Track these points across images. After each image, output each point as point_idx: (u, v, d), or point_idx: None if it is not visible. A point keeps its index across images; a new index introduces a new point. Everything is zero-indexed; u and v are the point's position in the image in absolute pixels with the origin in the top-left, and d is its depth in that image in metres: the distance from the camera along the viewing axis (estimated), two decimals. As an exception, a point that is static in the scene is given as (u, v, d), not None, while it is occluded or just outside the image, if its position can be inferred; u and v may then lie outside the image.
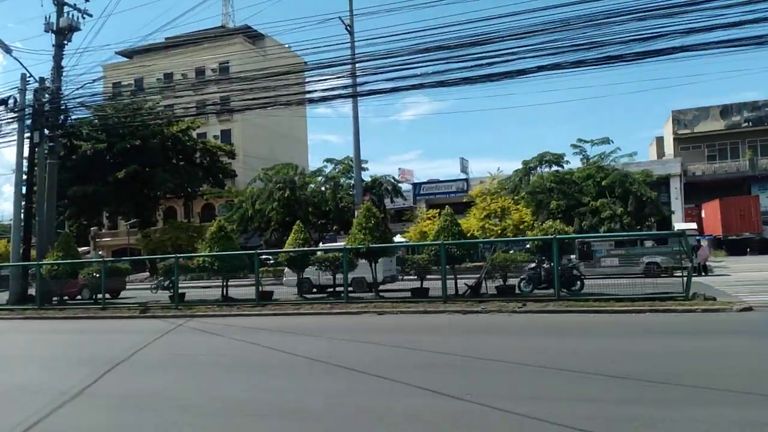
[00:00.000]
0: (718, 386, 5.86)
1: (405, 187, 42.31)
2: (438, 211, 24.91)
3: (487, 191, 32.84)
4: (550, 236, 14.90)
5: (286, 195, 34.63)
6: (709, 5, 13.05)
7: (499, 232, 29.04)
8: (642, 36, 13.75)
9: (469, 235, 25.26)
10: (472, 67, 15.63)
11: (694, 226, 34.87)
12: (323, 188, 37.31)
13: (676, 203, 38.64)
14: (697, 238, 27.92)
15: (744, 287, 16.07)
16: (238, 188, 43.67)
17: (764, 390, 5.64)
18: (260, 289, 17.41)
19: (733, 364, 7.07)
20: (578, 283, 15.23)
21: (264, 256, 20.68)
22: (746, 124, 42.14)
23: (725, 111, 42.76)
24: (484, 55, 15.31)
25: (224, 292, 18.33)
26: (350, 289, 17.39)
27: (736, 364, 7.07)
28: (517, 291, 15.48)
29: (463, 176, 44.95)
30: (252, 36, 49.94)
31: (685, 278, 13.35)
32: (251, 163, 44.61)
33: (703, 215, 39.01)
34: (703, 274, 21.90)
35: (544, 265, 15.30)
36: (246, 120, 45.47)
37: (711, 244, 31.54)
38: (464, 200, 35.56)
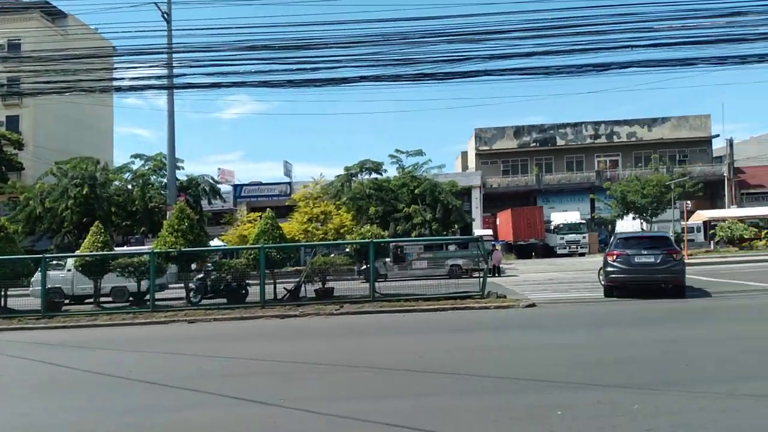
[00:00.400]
0: (507, 375, 6.57)
1: (225, 188, 40.55)
2: (260, 214, 24.35)
3: (310, 195, 33.04)
4: (367, 240, 15.61)
5: (84, 192, 30.79)
6: (507, 36, 14.72)
7: (321, 236, 29.40)
8: (451, 57, 14.98)
9: (290, 238, 25.11)
10: (296, 70, 15.58)
11: (490, 232, 39.33)
12: (130, 186, 34.06)
13: (476, 212, 43.00)
14: (492, 243, 31.44)
15: (529, 286, 18.37)
16: (26, 183, 37.87)
17: (550, 377, 6.42)
18: (48, 298, 15.29)
19: (517, 355, 8.00)
20: (243, 292, 15.90)
21: (54, 261, 18.19)
22: (534, 144, 48.62)
23: (518, 132, 48.88)
24: (308, 59, 15.39)
25: (1, 302, 15.72)
26: (110, 299, 16.16)
27: (520, 355, 8.01)
28: (190, 300, 15.39)
29: (286, 179, 44.59)
30: (51, 13, 43.81)
31: (481, 279, 14.90)
32: (44, 155, 38.98)
33: (497, 223, 44.00)
34: (496, 275, 24.62)
35: (212, 276, 16.06)
36: (39, 105, 39.70)
37: (504, 249, 35.71)
38: (287, 204, 35.28)
